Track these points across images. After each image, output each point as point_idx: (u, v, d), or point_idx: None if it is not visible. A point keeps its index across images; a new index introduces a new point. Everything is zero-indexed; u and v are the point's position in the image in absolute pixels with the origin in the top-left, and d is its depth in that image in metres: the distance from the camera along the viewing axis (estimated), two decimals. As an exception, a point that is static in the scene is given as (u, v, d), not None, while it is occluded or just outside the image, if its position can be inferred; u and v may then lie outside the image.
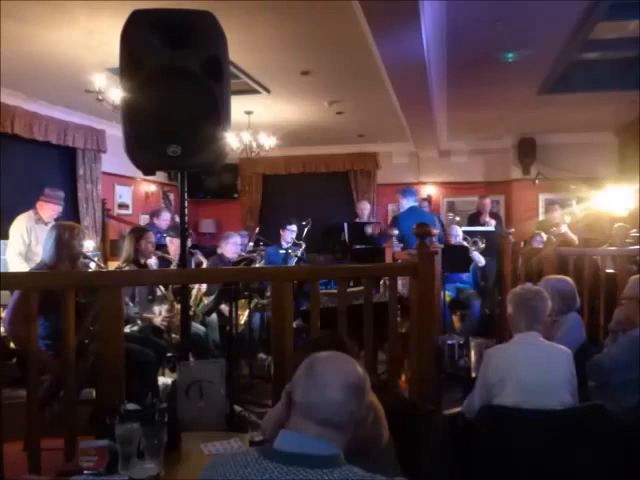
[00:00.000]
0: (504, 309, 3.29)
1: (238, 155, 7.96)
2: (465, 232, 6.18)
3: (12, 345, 3.45)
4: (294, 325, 2.96)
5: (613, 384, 2.77)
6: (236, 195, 10.42)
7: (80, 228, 3.69)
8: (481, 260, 6.00)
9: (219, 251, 5.63)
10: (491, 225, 7.26)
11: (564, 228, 6.49)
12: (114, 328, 2.42)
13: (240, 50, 4.68)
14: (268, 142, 7.47)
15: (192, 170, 2.83)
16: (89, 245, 6.12)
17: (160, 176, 8.88)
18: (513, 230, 5.99)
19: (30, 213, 5.32)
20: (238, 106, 6.36)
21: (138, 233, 4.32)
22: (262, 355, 5.14)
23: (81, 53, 4.86)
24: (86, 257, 4.00)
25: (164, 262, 4.62)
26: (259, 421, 2.25)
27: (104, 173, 7.72)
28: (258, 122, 7.33)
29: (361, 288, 3.61)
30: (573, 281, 3.37)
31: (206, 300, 4.81)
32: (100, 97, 4.94)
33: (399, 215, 6.05)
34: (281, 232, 6.84)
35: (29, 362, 2.34)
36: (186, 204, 2.90)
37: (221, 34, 2.58)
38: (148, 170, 2.78)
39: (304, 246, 6.78)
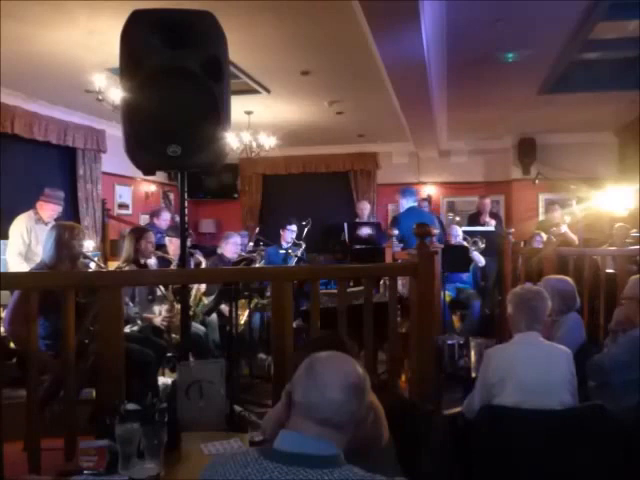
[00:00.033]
0: (504, 309, 3.29)
1: (238, 155, 7.96)
2: (465, 232, 6.17)
3: (12, 345, 3.45)
4: (294, 325, 2.96)
5: (613, 384, 2.77)
6: (236, 195, 10.42)
7: (80, 228, 3.69)
8: (481, 260, 6.00)
9: (219, 251, 5.63)
10: (491, 225, 7.26)
11: (564, 228, 6.49)
12: (114, 328, 2.42)
13: (240, 50, 4.68)
14: (268, 142, 7.47)
15: (192, 170, 2.83)
16: (89, 245, 6.12)
17: (160, 176, 8.88)
18: (513, 230, 5.98)
19: (30, 213, 5.32)
20: (238, 106, 6.36)
21: (138, 233, 4.32)
22: (262, 355, 5.14)
23: (81, 53, 4.86)
24: (86, 257, 4.00)
25: (164, 262, 4.62)
26: (259, 421, 2.25)
27: (104, 173, 7.72)
28: (258, 122, 7.33)
29: (361, 288, 3.61)
30: (573, 281, 3.37)
31: (205, 300, 4.81)
32: (100, 97, 4.94)
33: (399, 215, 6.05)
34: (281, 232, 6.84)
35: (29, 362, 2.34)
36: (186, 204, 2.90)
37: (221, 34, 2.58)
38: (148, 170, 2.78)
39: (304, 246, 6.78)
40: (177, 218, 4.18)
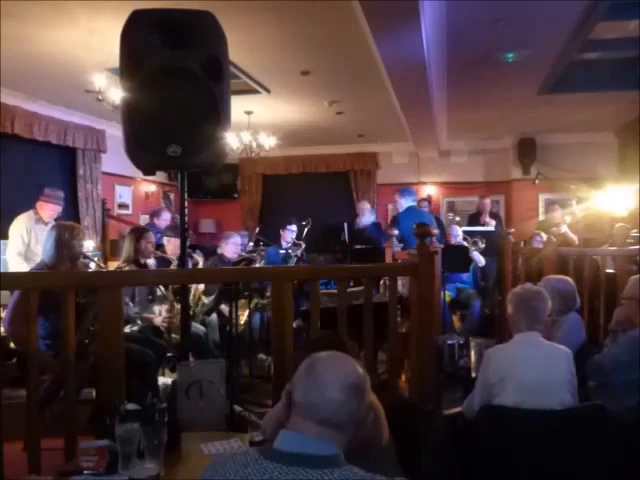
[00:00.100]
0: (504, 309, 3.29)
1: (238, 155, 7.96)
2: (465, 232, 6.18)
3: (12, 345, 3.45)
4: (294, 325, 2.96)
5: (613, 384, 2.77)
6: (236, 195, 10.42)
7: (80, 228, 3.69)
8: (481, 260, 6.00)
9: (219, 251, 5.63)
10: (491, 225, 7.26)
11: (564, 228, 6.49)
12: (114, 328, 2.42)
13: (240, 50, 4.68)
14: (268, 142, 7.47)
15: (192, 170, 2.82)
16: (89, 245, 6.11)
17: (160, 176, 8.88)
18: (513, 230, 5.98)
19: (30, 213, 5.32)
20: (238, 106, 6.36)
21: (138, 233, 4.32)
22: (262, 355, 5.14)
23: (81, 53, 4.86)
24: (86, 257, 4.00)
25: (163, 262, 4.62)
26: (259, 421, 2.25)
27: (104, 173, 7.72)
28: (258, 122, 7.33)
29: (361, 288, 3.61)
30: (573, 281, 3.37)
31: (205, 299, 4.81)
32: (100, 97, 4.94)
33: (398, 215, 6.05)
34: (281, 232, 6.85)
35: (29, 362, 2.34)
36: (186, 204, 2.90)
37: (221, 34, 2.58)
38: (148, 170, 2.78)
39: (304, 246, 6.78)
40: (178, 218, 4.18)
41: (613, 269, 4.91)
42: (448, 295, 5.40)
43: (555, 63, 5.33)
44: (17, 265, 5.12)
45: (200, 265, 4.89)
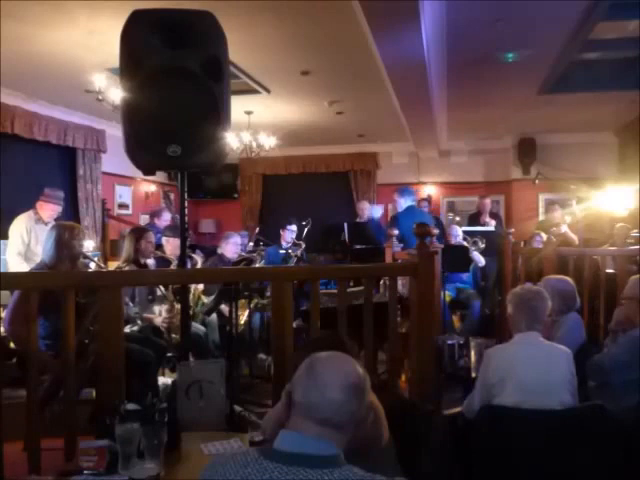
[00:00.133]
0: (504, 309, 3.29)
1: (238, 155, 7.97)
2: (465, 232, 6.18)
3: (12, 345, 3.45)
4: (294, 325, 2.96)
5: (613, 384, 2.77)
6: (236, 195, 10.42)
7: (80, 228, 3.69)
8: (481, 260, 6.00)
9: (219, 251, 5.63)
10: (491, 225, 7.26)
11: (564, 228, 6.49)
12: (114, 328, 2.42)
13: (240, 50, 4.69)
14: (268, 142, 7.47)
15: (192, 170, 2.82)
16: (89, 245, 6.11)
17: (160, 176, 8.88)
18: (513, 230, 5.99)
19: (30, 213, 5.32)
20: (238, 106, 6.36)
21: (138, 233, 4.32)
22: (262, 355, 5.14)
23: (81, 53, 4.86)
24: (86, 257, 4.00)
25: (163, 262, 4.62)
26: (259, 421, 2.25)
27: (104, 173, 7.73)
28: (258, 122, 7.33)
29: (361, 288, 3.61)
30: (573, 281, 3.37)
31: (204, 298, 4.81)
32: (100, 97, 4.94)
33: (398, 214, 6.05)
34: (281, 232, 6.85)
35: (29, 362, 2.34)
36: (186, 204, 2.90)
37: (221, 34, 2.58)
38: (148, 170, 2.78)
39: (304, 246, 6.78)
40: (178, 218, 4.18)
41: (613, 269, 4.91)
42: (448, 295, 5.40)
43: (555, 63, 5.33)
44: (17, 265, 5.12)
45: (199, 265, 4.89)
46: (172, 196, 9.41)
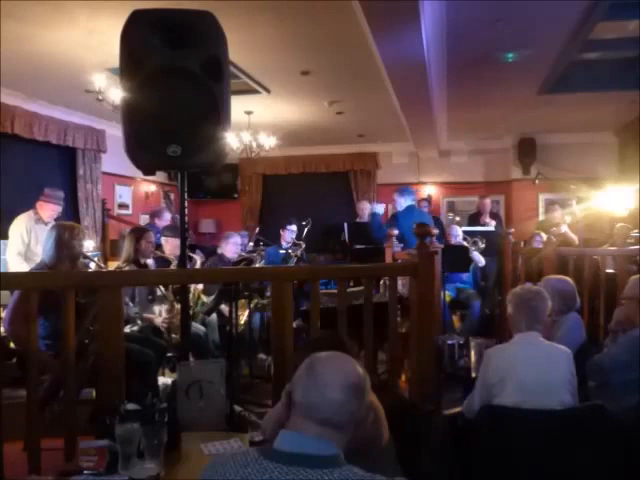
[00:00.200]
0: (504, 309, 3.29)
1: (238, 155, 7.97)
2: (465, 232, 6.18)
3: (12, 345, 3.45)
4: (294, 325, 2.96)
5: (613, 384, 2.77)
6: (236, 195, 10.42)
7: (80, 228, 3.69)
8: (481, 260, 6.00)
9: (219, 251, 5.63)
10: (491, 225, 7.26)
11: (564, 228, 6.49)
12: (114, 328, 2.42)
13: (240, 50, 4.68)
14: (268, 142, 7.47)
15: (192, 170, 2.82)
16: (89, 245, 6.12)
17: (160, 176, 8.88)
18: (513, 230, 5.99)
19: (30, 213, 5.32)
20: (238, 106, 6.36)
21: (138, 233, 4.32)
22: (262, 355, 5.14)
23: (81, 53, 4.86)
24: (86, 257, 4.00)
25: (162, 262, 4.62)
26: (259, 421, 2.25)
27: (104, 173, 7.73)
28: (258, 122, 7.33)
29: (361, 288, 3.61)
30: (573, 281, 3.37)
31: (204, 297, 4.81)
32: (100, 97, 4.94)
33: (397, 213, 6.05)
34: (281, 232, 6.85)
35: (29, 362, 2.34)
36: (186, 204, 2.90)
37: (221, 34, 2.58)
38: (148, 170, 2.78)
39: (304, 246, 6.78)
40: (178, 218, 4.18)
41: (613, 269, 4.91)
42: (448, 295, 5.40)
43: (555, 63, 5.33)
44: (17, 265, 5.12)
45: (198, 265, 4.89)
46: (172, 196, 9.41)
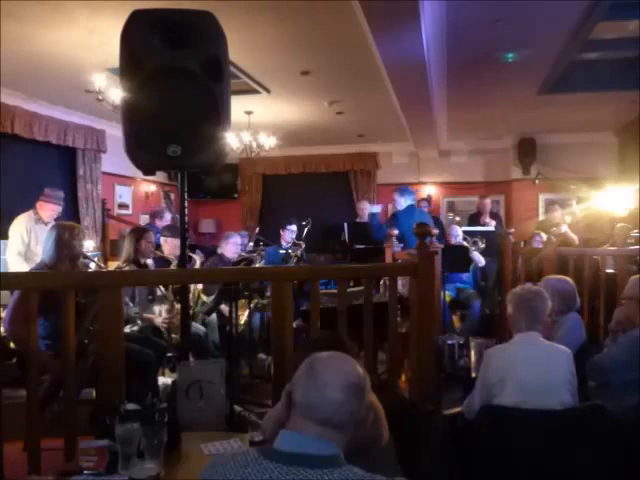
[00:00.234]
0: (504, 309, 3.29)
1: (238, 155, 7.97)
2: (465, 232, 6.18)
3: (12, 345, 3.45)
4: (294, 325, 2.96)
5: (613, 384, 2.77)
6: (236, 195, 10.42)
7: (80, 228, 3.69)
8: (481, 260, 6.00)
9: (219, 251, 5.63)
10: (491, 225, 7.26)
11: (564, 228, 6.48)
12: (114, 328, 2.42)
13: (240, 50, 4.68)
14: (268, 142, 7.47)
15: (192, 170, 2.82)
16: (89, 245, 6.12)
17: (160, 176, 8.88)
18: (513, 230, 5.99)
19: (30, 213, 5.32)
20: (238, 106, 6.36)
21: (138, 233, 4.32)
22: (262, 355, 5.14)
23: (81, 53, 4.86)
24: (86, 257, 4.00)
25: (162, 262, 4.62)
26: (259, 421, 2.25)
27: (104, 173, 7.73)
28: (258, 122, 7.33)
29: (361, 288, 3.61)
30: (573, 281, 3.37)
31: (204, 297, 4.81)
32: (100, 97, 4.94)
33: (397, 212, 6.05)
34: (281, 232, 6.85)
35: (29, 362, 2.34)
36: (186, 204, 2.90)
37: (221, 34, 2.58)
38: (148, 170, 2.78)
39: (304, 246, 6.78)
40: (178, 218, 4.18)
41: (613, 269, 4.91)
42: (448, 295, 5.40)
43: (555, 63, 5.33)
44: (17, 265, 5.12)
45: (197, 265, 4.90)
46: (172, 196, 9.41)
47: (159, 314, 4.12)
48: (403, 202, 5.92)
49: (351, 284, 4.61)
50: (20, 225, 5.26)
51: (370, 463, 1.39)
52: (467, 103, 6.87)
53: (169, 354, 3.96)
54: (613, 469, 2.23)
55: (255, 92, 6.19)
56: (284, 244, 6.74)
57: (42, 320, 3.03)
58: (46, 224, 5.13)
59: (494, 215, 7.91)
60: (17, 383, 2.63)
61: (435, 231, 3.75)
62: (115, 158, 7.22)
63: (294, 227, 6.85)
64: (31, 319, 2.34)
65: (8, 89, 5.91)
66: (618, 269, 4.80)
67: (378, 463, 1.57)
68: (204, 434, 2.22)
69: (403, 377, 3.56)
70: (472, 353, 3.37)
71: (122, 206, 8.50)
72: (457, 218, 8.85)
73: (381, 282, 4.75)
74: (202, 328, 4.69)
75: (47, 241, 3.47)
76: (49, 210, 5.32)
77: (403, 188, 6.19)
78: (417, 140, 8.47)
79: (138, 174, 4.27)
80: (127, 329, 3.81)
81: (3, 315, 3.59)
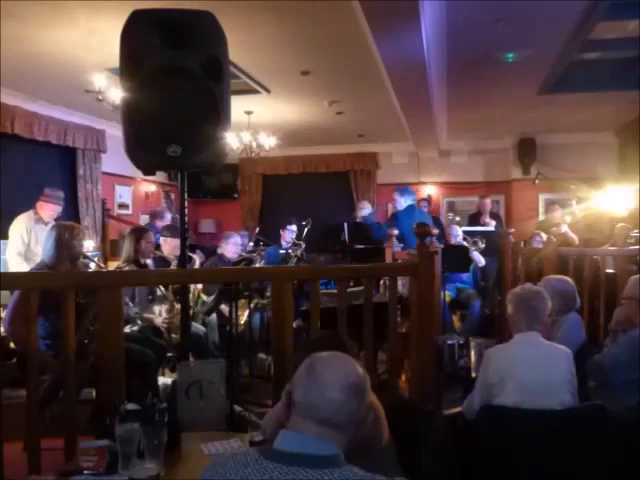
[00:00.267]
0: (504, 309, 3.29)
1: (238, 155, 7.97)
2: (465, 232, 6.18)
3: (12, 345, 3.45)
4: (294, 325, 2.96)
5: (613, 384, 2.77)
6: (236, 195, 10.42)
7: (80, 228, 3.69)
8: (481, 260, 6.00)
9: (219, 251, 5.63)
10: (491, 225, 7.26)
11: (564, 228, 6.48)
12: (114, 328, 2.42)
13: (240, 50, 4.68)
14: (268, 142, 7.47)
15: (192, 170, 2.82)
16: (89, 245, 6.11)
17: (160, 176, 8.88)
18: (513, 230, 5.99)
19: (30, 213, 5.32)
20: (238, 106, 6.36)
21: (138, 233, 4.32)
22: (262, 355, 5.14)
23: (81, 53, 4.86)
24: (86, 257, 4.00)
25: (162, 262, 4.62)
26: (259, 421, 2.25)
27: (104, 173, 7.73)
28: (258, 122, 7.33)
29: (361, 288, 3.61)
30: (573, 281, 3.37)
31: (204, 296, 4.81)
32: (100, 97, 4.94)
33: (397, 212, 6.05)
34: (281, 232, 6.85)
35: (29, 362, 2.34)
36: (186, 204, 2.90)
37: (221, 34, 2.58)
38: (148, 170, 2.78)
39: (304, 246, 6.78)
40: (177, 218, 4.18)
41: (613, 269, 4.91)
42: (448, 295, 5.40)
43: (555, 63, 5.33)
44: (17, 265, 5.12)
45: (197, 265, 4.90)
46: (173, 196, 9.41)
47: (159, 314, 4.12)
48: (403, 202, 5.92)
49: (351, 284, 4.61)
50: (20, 225, 5.26)
51: (370, 463, 1.39)
52: (467, 103, 6.86)
53: (169, 354, 3.96)
54: (613, 469, 2.23)
55: (255, 92, 6.19)
56: (284, 244, 6.74)
57: (42, 320, 3.03)
58: (46, 224, 5.13)
59: (494, 215, 7.91)
60: (17, 383, 2.63)
61: (435, 231, 3.75)
62: (115, 158, 7.22)
63: (294, 227, 6.86)
64: (31, 319, 2.34)
65: (8, 89, 5.91)
66: (618, 269, 4.80)
67: (378, 463, 1.57)
68: (204, 434, 2.22)
69: (403, 377, 3.56)
70: (472, 353, 3.37)
71: (122, 206, 8.50)
72: (457, 218, 8.85)
73: (381, 282, 4.75)
74: (202, 328, 4.69)
75: (47, 241, 3.47)
76: (49, 210, 5.32)
77: (403, 188, 6.19)
78: (417, 140, 8.47)
79: (138, 174, 4.27)
80: (127, 329, 3.81)
81: (3, 315, 3.59)
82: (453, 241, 5.95)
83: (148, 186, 9.11)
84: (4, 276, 2.88)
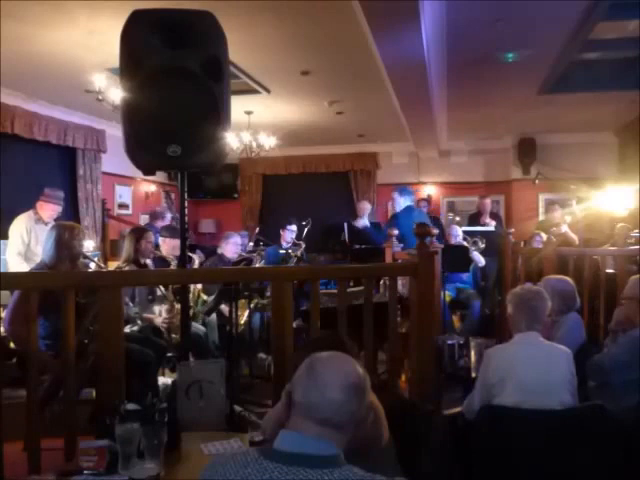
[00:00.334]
0: (504, 309, 3.29)
1: (238, 155, 7.97)
2: (465, 232, 6.18)
3: (12, 345, 3.45)
4: (294, 325, 2.96)
5: (613, 384, 2.77)
6: (236, 195, 10.42)
7: (80, 228, 3.69)
8: (481, 260, 6.00)
9: (219, 251, 5.63)
10: (491, 225, 7.26)
11: (564, 228, 6.48)
12: (114, 328, 2.42)
13: (240, 50, 4.68)
14: (268, 142, 7.47)
15: (192, 170, 2.83)
16: (89, 245, 6.11)
17: (160, 176, 8.88)
18: (513, 230, 5.99)
19: (30, 213, 5.32)
20: (238, 106, 6.36)
21: (138, 233, 4.32)
22: (262, 355, 5.14)
23: (81, 53, 4.86)
24: (86, 257, 4.00)
25: (161, 262, 4.62)
26: (259, 421, 2.25)
27: (104, 173, 7.73)
28: (258, 122, 7.33)
29: (361, 288, 3.61)
30: (573, 281, 3.37)
31: (204, 296, 4.81)
32: (100, 97, 4.94)
33: (397, 213, 6.05)
34: (281, 232, 6.85)
35: (29, 362, 2.34)
36: (186, 204, 2.90)
37: (221, 34, 2.58)
38: (148, 170, 2.78)
39: (304, 246, 6.78)
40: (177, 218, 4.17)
41: (613, 269, 4.91)
42: (448, 295, 5.40)
43: (555, 63, 5.33)
44: (17, 265, 5.12)
45: (196, 265, 4.90)
46: (173, 196, 9.41)
47: (159, 314, 4.12)
48: (402, 202, 5.92)
49: (351, 284, 4.61)
50: (20, 225, 5.26)
51: (370, 463, 1.39)
52: (467, 103, 6.86)
53: (169, 354, 3.96)
54: (613, 469, 2.23)
55: (255, 92, 6.19)
56: (284, 244, 6.74)
57: (42, 320, 3.03)
58: (46, 224, 5.13)
59: (494, 215, 7.91)
60: (17, 383, 2.63)
61: (435, 231, 3.75)
62: (115, 158, 7.22)
63: (294, 227, 6.86)
64: (31, 319, 2.34)
65: (8, 89, 5.91)
66: (618, 269, 4.80)
67: (378, 463, 1.57)
68: (204, 434, 2.22)
69: (403, 377, 3.56)
70: (472, 353, 3.37)
71: (122, 206, 8.50)
72: (457, 218, 8.84)
73: (381, 282, 4.75)
74: (202, 328, 4.69)
75: (47, 241, 3.47)
76: (49, 210, 5.32)
77: (402, 188, 6.19)
78: (417, 140, 8.47)
79: (138, 174, 4.27)
80: (127, 329, 3.81)
81: (3, 315, 3.59)
82: (453, 241, 5.95)
83: (148, 186, 9.11)
84: (4, 276, 2.88)
